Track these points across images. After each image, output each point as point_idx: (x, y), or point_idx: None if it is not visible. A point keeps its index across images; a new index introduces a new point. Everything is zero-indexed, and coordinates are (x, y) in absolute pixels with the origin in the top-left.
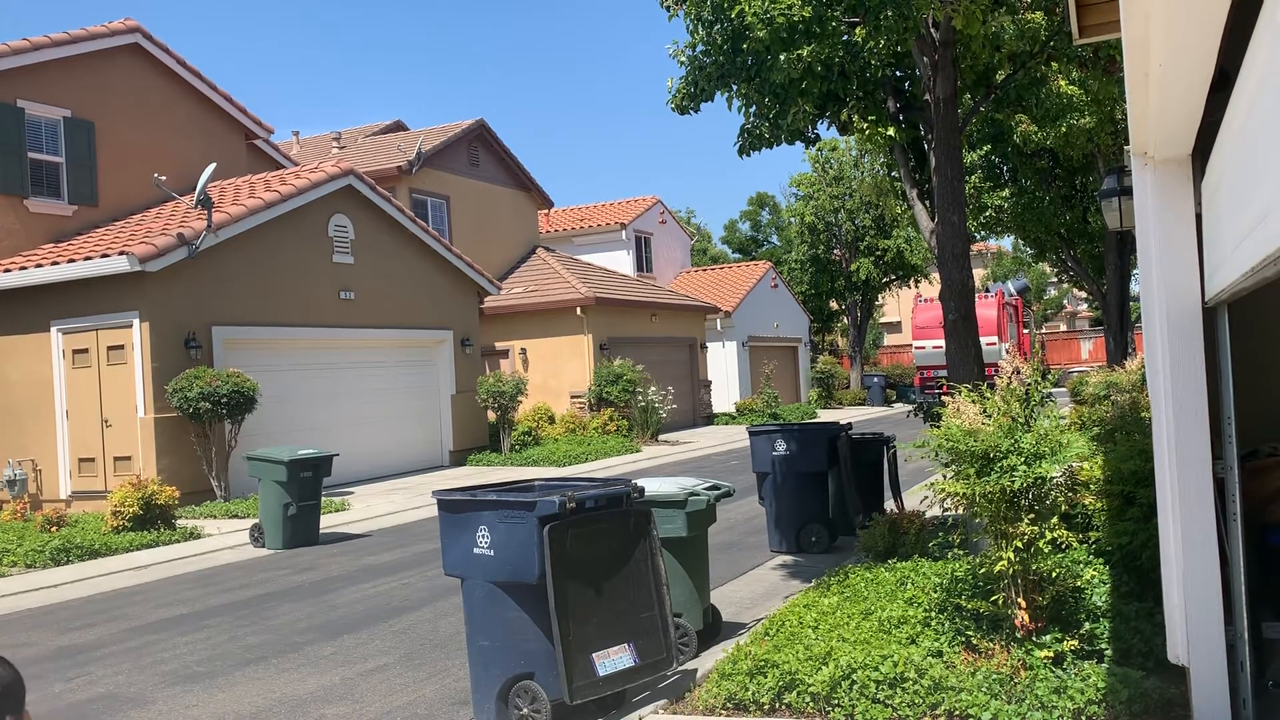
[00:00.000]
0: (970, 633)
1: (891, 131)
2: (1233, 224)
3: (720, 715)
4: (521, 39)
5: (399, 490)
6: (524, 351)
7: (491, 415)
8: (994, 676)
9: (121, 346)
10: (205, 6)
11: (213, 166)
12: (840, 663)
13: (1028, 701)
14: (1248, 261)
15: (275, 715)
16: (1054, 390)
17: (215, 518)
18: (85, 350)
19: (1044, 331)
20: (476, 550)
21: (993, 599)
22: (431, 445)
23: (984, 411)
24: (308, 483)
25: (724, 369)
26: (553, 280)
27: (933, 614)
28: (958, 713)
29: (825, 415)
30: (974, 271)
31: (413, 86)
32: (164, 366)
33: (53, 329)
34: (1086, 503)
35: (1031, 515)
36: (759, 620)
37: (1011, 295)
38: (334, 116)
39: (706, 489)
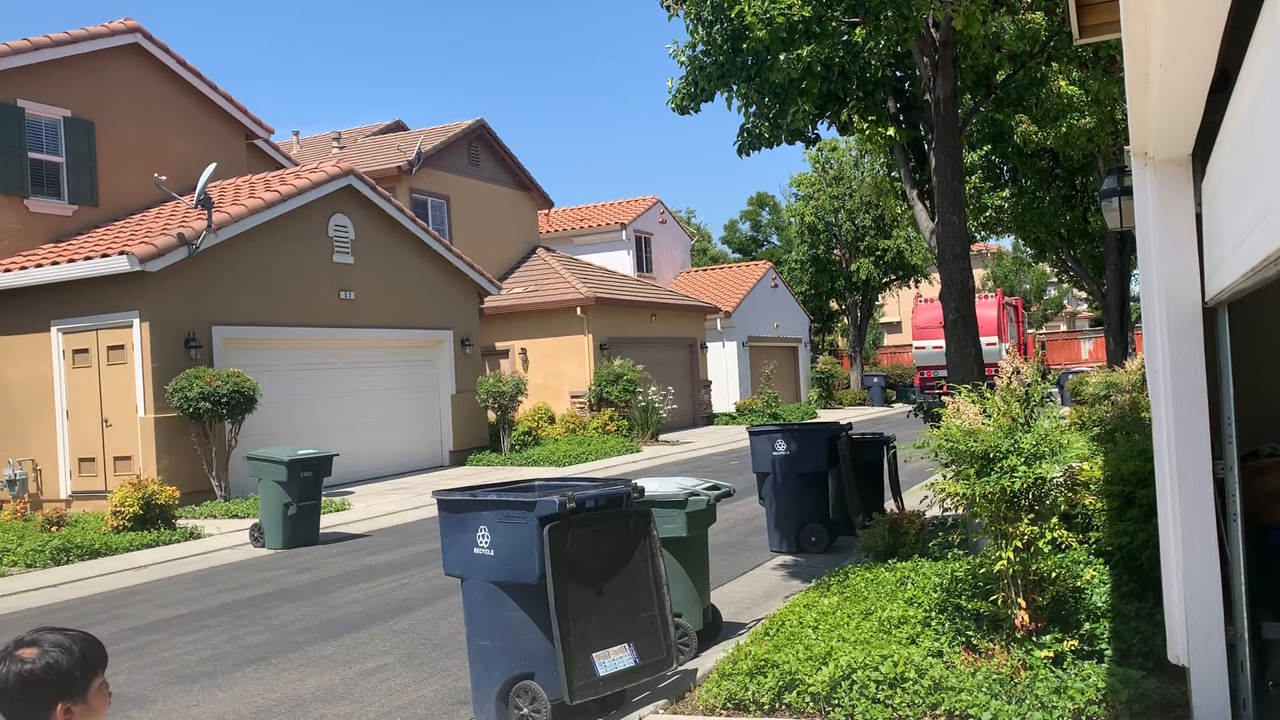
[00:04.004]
0: (970, 633)
1: (891, 132)
2: (1233, 224)
3: (720, 715)
4: (521, 39)
5: (399, 490)
6: (524, 351)
7: (491, 415)
8: (994, 676)
9: (121, 346)
10: (205, 6)
11: (213, 166)
12: (840, 663)
13: (1028, 702)
14: (1248, 261)
15: (275, 715)
16: (1054, 390)
17: (215, 518)
18: (85, 350)
19: (1044, 331)
20: (477, 550)
21: (993, 599)
22: (431, 445)
23: (984, 412)
24: (308, 483)
25: (724, 369)
26: (553, 280)
27: (933, 614)
28: (958, 713)
29: (825, 415)
30: (974, 271)
31: (413, 86)
32: (164, 366)
33: (53, 329)
34: (1086, 503)
35: (1031, 515)
36: (759, 620)
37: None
38: (334, 116)
39: (706, 489)
